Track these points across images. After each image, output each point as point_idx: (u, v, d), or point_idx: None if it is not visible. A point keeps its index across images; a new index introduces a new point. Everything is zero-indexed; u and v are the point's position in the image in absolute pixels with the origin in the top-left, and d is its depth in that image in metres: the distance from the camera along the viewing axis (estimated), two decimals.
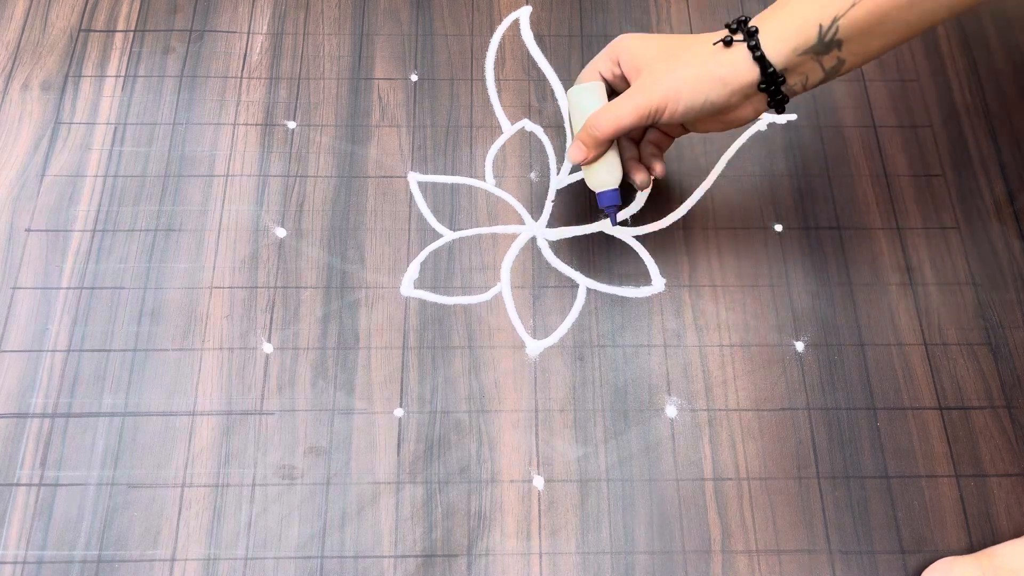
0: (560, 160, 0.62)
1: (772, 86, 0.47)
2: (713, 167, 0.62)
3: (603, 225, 0.60)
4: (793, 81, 0.48)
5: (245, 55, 0.65)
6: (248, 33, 0.66)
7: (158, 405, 0.53)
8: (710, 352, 0.56)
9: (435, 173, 0.61)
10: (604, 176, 0.53)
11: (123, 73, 0.64)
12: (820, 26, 0.45)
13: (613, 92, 0.54)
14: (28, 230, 0.58)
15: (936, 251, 0.60)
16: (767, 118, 0.64)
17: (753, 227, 0.60)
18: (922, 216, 0.61)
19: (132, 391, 0.53)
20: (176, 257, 0.58)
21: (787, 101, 0.49)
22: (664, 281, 0.58)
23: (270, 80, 0.64)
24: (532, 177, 0.62)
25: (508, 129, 0.63)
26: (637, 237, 0.60)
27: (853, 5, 0.44)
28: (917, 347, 0.56)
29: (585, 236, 0.59)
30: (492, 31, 0.67)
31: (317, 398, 0.54)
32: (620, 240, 0.59)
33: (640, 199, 0.61)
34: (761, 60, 0.46)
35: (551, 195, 0.61)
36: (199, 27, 0.67)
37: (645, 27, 0.68)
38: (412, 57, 0.66)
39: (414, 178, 0.61)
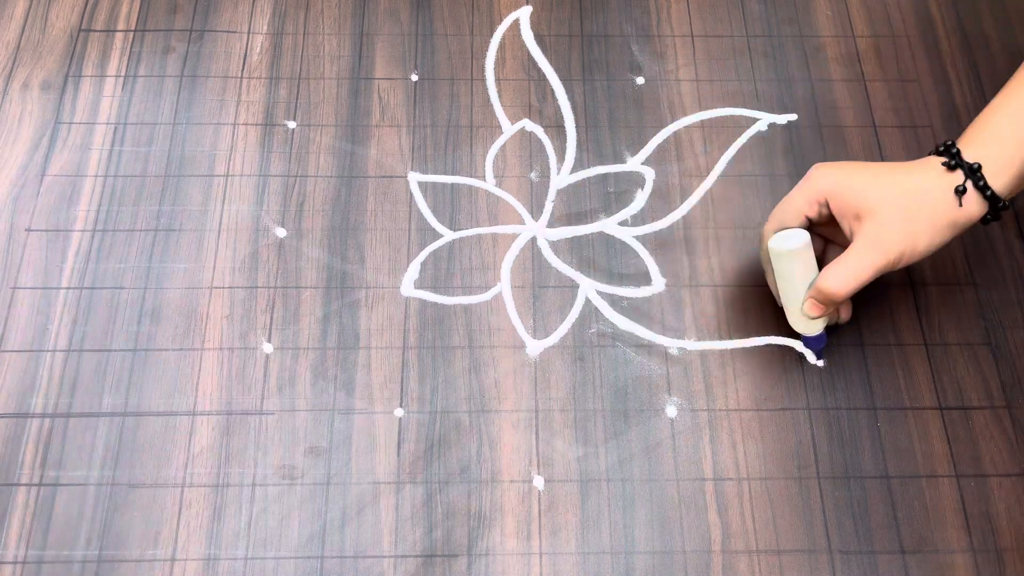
0: (560, 159, 0.62)
1: (996, 211, 0.47)
2: (713, 167, 0.62)
3: (603, 225, 0.60)
4: (1013, 197, 0.48)
5: (245, 55, 0.65)
6: (248, 33, 0.66)
7: (158, 405, 0.53)
8: (710, 352, 0.56)
9: (435, 173, 0.61)
10: (819, 322, 0.52)
11: (123, 73, 0.64)
12: None
13: (811, 231, 0.52)
14: (28, 230, 0.58)
15: (936, 251, 0.59)
16: (767, 118, 0.64)
17: (753, 227, 0.60)
18: None
19: (132, 391, 0.53)
20: (176, 257, 0.58)
21: (1008, 208, 0.49)
22: (664, 281, 0.58)
23: (270, 80, 0.64)
24: (532, 177, 0.62)
25: (508, 129, 0.63)
26: (637, 237, 0.60)
27: None
28: (917, 347, 0.56)
29: (585, 236, 0.59)
30: (492, 31, 0.67)
31: (317, 398, 0.54)
32: (620, 240, 0.59)
33: (640, 199, 0.61)
34: (992, 198, 0.46)
35: (551, 195, 0.61)
36: (199, 27, 0.67)
37: (645, 27, 0.68)
38: (412, 57, 0.66)
39: (414, 178, 0.61)
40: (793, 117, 0.64)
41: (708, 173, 0.62)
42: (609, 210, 0.60)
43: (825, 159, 0.62)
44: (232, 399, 0.53)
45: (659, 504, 0.51)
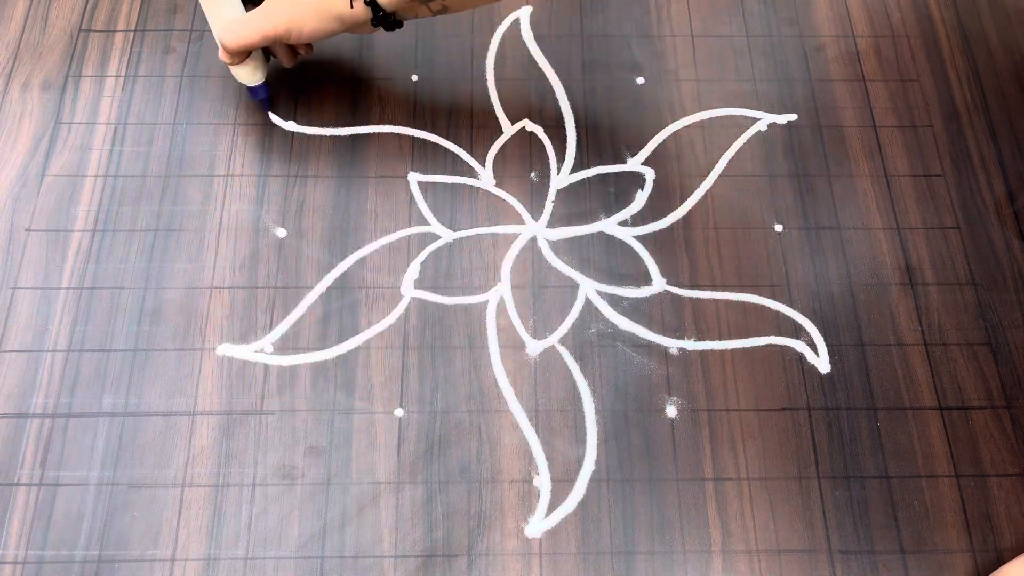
0: (560, 160, 0.62)
1: (384, 22, 0.54)
2: (713, 167, 0.62)
3: (603, 225, 0.60)
4: (403, 17, 0.55)
5: None
6: None
7: (158, 405, 0.53)
8: (710, 352, 0.56)
9: (435, 173, 0.61)
10: (247, 75, 0.59)
11: (123, 73, 0.64)
12: None
13: None
14: (28, 230, 0.58)
15: (936, 251, 0.60)
16: (767, 118, 0.64)
17: (753, 227, 0.60)
18: (922, 216, 0.61)
19: (132, 391, 0.53)
20: (176, 257, 0.58)
21: (401, 25, 0.56)
22: (664, 281, 0.58)
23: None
24: (532, 177, 0.62)
25: (508, 129, 0.63)
26: (637, 237, 0.60)
27: None
28: (917, 347, 0.56)
29: (585, 236, 0.59)
30: (492, 31, 0.67)
31: (317, 398, 0.54)
32: (620, 240, 0.59)
33: (640, 199, 0.61)
34: (373, 5, 0.53)
35: (551, 195, 0.61)
36: (199, 27, 0.67)
37: (645, 27, 0.68)
38: (412, 57, 0.66)
39: (414, 178, 0.61)
40: (793, 117, 0.64)
41: (708, 173, 0.62)
42: (609, 210, 0.60)
43: (825, 159, 0.62)
44: (232, 399, 0.53)
45: (659, 504, 0.51)
